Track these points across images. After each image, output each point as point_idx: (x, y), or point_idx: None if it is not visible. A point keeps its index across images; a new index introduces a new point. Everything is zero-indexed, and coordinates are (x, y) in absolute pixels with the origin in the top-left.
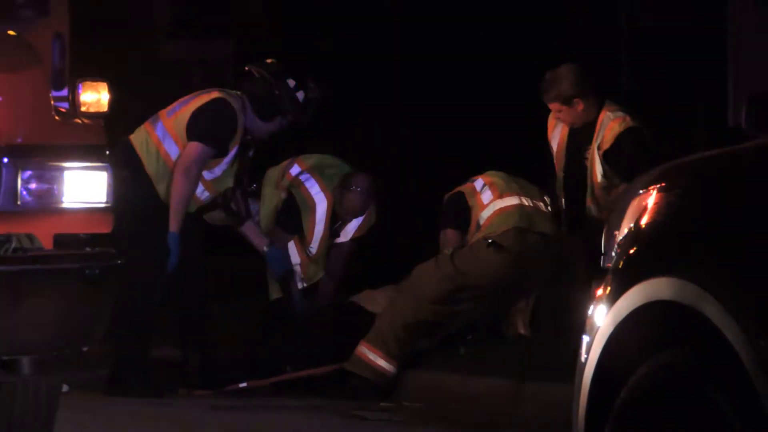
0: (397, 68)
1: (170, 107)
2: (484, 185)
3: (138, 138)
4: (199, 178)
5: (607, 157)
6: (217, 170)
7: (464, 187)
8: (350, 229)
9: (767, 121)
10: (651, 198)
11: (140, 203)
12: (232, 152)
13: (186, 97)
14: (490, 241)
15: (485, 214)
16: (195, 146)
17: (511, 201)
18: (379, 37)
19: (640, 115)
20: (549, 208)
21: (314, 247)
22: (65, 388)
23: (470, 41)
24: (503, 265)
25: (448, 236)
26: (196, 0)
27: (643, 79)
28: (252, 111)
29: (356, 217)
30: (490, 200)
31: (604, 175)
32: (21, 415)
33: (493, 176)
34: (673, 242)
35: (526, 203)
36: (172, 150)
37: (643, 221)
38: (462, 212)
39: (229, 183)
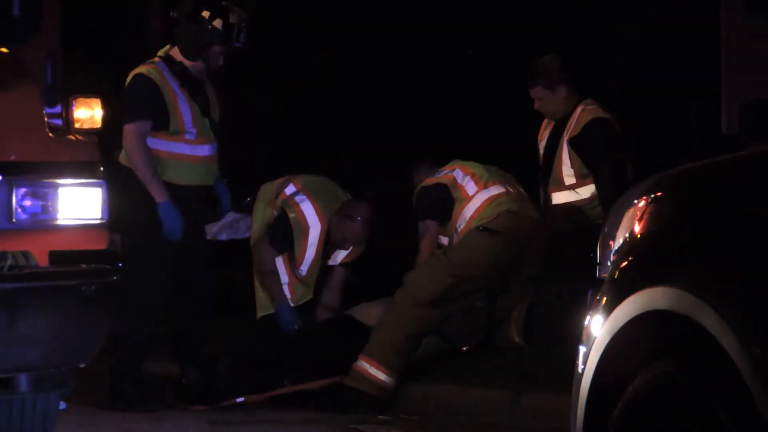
0: (392, 82)
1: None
2: (464, 176)
3: (124, 155)
4: (143, 144)
5: (573, 144)
6: (189, 126)
7: (443, 179)
8: (341, 254)
9: (762, 128)
10: (646, 207)
11: (136, 218)
12: (184, 106)
13: None
14: (481, 227)
15: (472, 206)
16: (126, 127)
17: (497, 190)
18: (375, 47)
19: (633, 123)
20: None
21: (304, 269)
22: (62, 405)
23: (462, 46)
24: (497, 248)
25: (429, 226)
26: None
27: (637, 87)
28: (182, 56)
29: (356, 245)
30: (476, 192)
31: (571, 165)
32: None
33: (469, 166)
34: (669, 252)
35: (511, 189)
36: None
37: (639, 231)
38: (446, 204)
39: (210, 131)
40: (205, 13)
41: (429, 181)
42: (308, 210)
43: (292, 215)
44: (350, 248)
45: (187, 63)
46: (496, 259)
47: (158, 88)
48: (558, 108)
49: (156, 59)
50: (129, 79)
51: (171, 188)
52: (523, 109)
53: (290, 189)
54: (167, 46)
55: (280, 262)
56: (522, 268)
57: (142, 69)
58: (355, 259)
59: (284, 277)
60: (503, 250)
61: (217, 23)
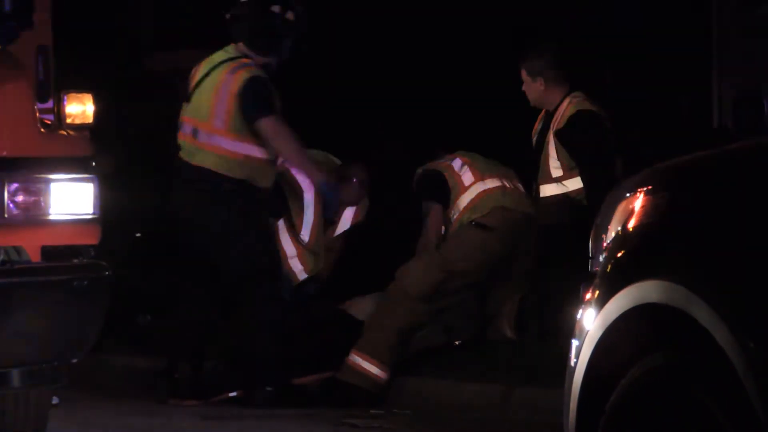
0: (386, 66)
1: (207, 116)
2: (462, 165)
3: (207, 158)
4: (290, 131)
5: (559, 136)
6: None
7: (441, 166)
8: (348, 217)
9: (753, 122)
10: (638, 201)
11: (238, 218)
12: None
13: (214, 101)
14: (473, 222)
15: (467, 197)
16: (266, 122)
17: (494, 183)
18: (370, 35)
19: (624, 116)
20: (524, 189)
21: (305, 234)
22: (55, 400)
23: (455, 43)
24: (489, 244)
25: (435, 209)
26: (181, 11)
27: (628, 80)
28: (253, 52)
29: (353, 206)
30: (472, 182)
31: (557, 157)
32: (11, 428)
33: (469, 156)
34: (660, 245)
35: (508, 185)
36: (237, 147)
37: (631, 224)
38: (444, 190)
39: None
40: (275, 7)
41: (429, 166)
42: (299, 174)
43: (284, 181)
44: (348, 210)
45: (260, 61)
46: (487, 254)
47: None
48: (536, 98)
49: (245, 60)
50: (246, 81)
51: (259, 192)
52: (526, 103)
53: (278, 160)
54: (230, 46)
55: (285, 236)
56: (514, 263)
57: (253, 71)
58: (360, 222)
59: (291, 250)
60: (495, 246)
61: (290, 15)
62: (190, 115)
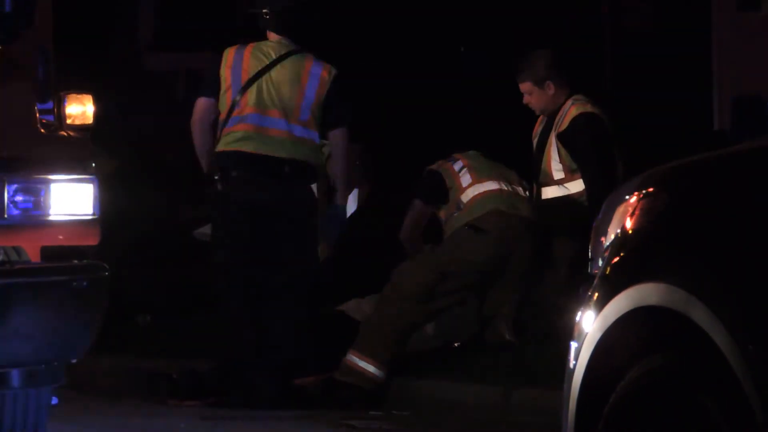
0: (385, 67)
1: (293, 109)
2: (463, 167)
3: (302, 151)
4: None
5: (561, 139)
6: None
7: (443, 167)
8: (352, 200)
9: (752, 124)
10: (638, 203)
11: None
12: None
13: (300, 94)
14: (468, 225)
15: (465, 198)
16: (345, 132)
17: (491, 186)
18: (375, 33)
19: (624, 118)
20: (527, 192)
21: None
22: (54, 400)
23: (453, 43)
24: (485, 247)
25: (416, 206)
26: (181, 12)
27: (628, 83)
28: (294, 44)
29: (356, 186)
30: (469, 184)
31: (560, 160)
32: (10, 429)
33: (471, 158)
34: (660, 247)
35: (506, 188)
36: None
37: (630, 226)
38: (436, 190)
39: None
40: None
41: (433, 166)
42: None
43: None
44: (352, 193)
45: None
46: (482, 257)
47: None
48: (546, 104)
49: (311, 54)
50: (337, 79)
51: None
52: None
53: None
54: (281, 38)
55: None
56: (512, 265)
57: (331, 66)
58: (364, 202)
59: None
60: (489, 248)
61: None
62: (257, 106)
